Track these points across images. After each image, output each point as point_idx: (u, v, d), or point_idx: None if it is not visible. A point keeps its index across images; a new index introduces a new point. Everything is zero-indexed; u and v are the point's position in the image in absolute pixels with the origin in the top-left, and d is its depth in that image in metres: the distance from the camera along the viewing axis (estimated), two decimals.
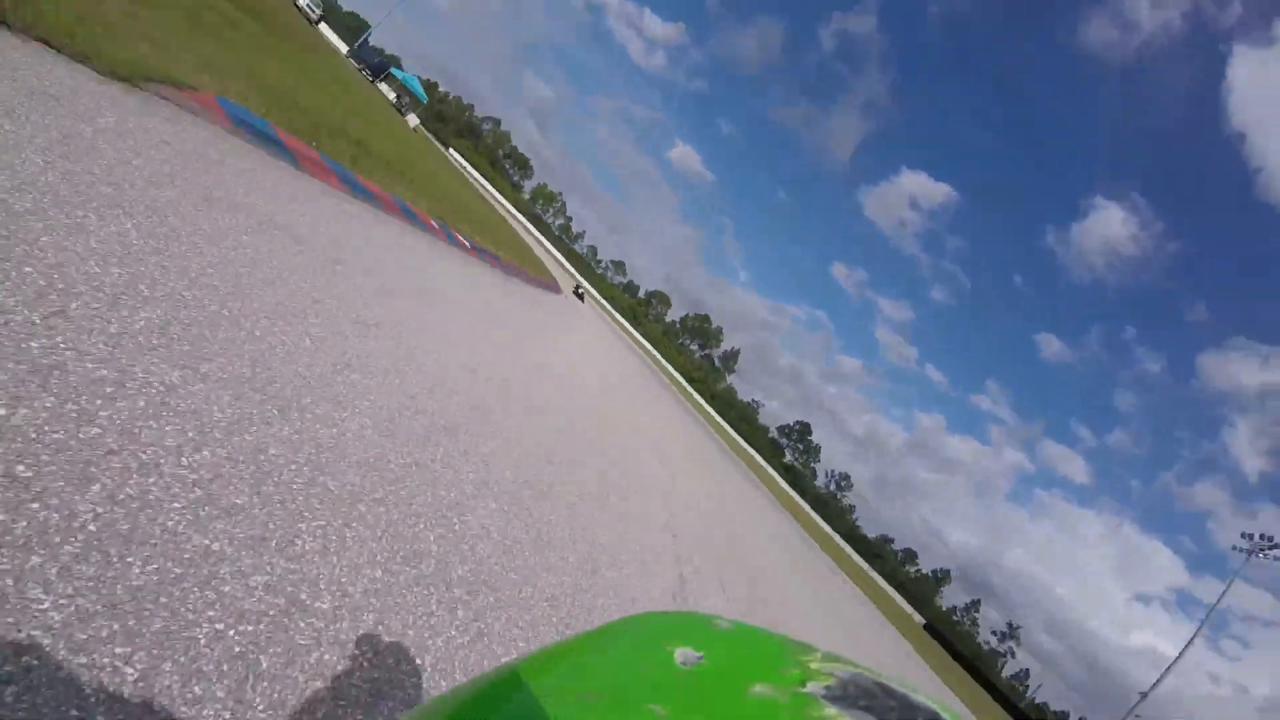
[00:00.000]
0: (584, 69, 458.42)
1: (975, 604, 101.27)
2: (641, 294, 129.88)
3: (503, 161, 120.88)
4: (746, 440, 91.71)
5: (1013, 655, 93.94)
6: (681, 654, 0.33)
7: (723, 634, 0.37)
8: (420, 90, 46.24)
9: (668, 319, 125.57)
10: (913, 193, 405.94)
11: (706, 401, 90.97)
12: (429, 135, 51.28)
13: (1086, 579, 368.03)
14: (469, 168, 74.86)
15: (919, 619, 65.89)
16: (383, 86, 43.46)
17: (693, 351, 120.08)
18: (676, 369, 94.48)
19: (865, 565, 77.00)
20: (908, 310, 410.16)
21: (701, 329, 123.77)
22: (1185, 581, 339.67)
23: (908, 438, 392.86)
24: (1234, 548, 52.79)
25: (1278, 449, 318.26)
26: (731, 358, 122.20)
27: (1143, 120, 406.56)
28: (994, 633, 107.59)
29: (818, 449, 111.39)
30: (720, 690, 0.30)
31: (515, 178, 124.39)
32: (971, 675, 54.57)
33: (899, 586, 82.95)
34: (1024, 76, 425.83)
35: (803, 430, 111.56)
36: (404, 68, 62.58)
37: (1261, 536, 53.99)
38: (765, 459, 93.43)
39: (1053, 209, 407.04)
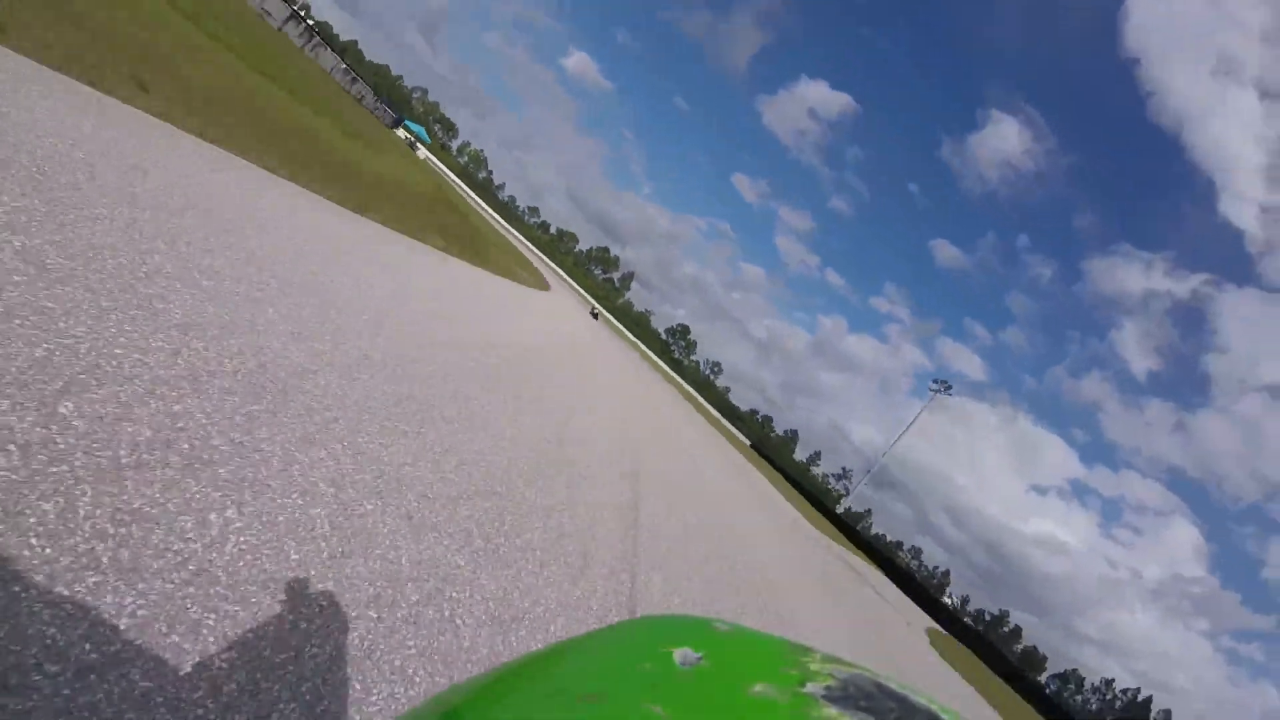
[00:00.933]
0: None
1: (846, 471, 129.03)
2: (554, 230, 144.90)
3: (433, 127, 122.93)
4: (640, 340, 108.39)
5: (846, 493, 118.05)
6: (681, 655, 0.33)
7: (722, 635, 0.36)
8: (425, 135, 60.51)
9: (577, 250, 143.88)
10: (811, 102, 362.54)
11: (608, 312, 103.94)
12: (432, 160, 58.62)
13: (986, 471, 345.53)
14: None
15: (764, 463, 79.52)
16: (400, 132, 53.82)
17: (597, 276, 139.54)
18: (585, 290, 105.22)
19: (730, 426, 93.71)
20: (808, 219, 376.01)
21: (603, 258, 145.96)
22: (1079, 472, 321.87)
23: (810, 339, 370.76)
24: (930, 389, 79.81)
25: (1160, 346, 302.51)
26: (627, 279, 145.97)
27: (1040, 37, 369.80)
28: (833, 475, 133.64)
29: (695, 344, 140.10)
30: (720, 691, 0.30)
31: (444, 139, 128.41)
32: (792, 483, 69.34)
33: (759, 442, 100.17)
34: None
35: (684, 331, 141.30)
36: None
37: (940, 381, 79.49)
38: (656, 354, 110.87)
39: (949, 121, 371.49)
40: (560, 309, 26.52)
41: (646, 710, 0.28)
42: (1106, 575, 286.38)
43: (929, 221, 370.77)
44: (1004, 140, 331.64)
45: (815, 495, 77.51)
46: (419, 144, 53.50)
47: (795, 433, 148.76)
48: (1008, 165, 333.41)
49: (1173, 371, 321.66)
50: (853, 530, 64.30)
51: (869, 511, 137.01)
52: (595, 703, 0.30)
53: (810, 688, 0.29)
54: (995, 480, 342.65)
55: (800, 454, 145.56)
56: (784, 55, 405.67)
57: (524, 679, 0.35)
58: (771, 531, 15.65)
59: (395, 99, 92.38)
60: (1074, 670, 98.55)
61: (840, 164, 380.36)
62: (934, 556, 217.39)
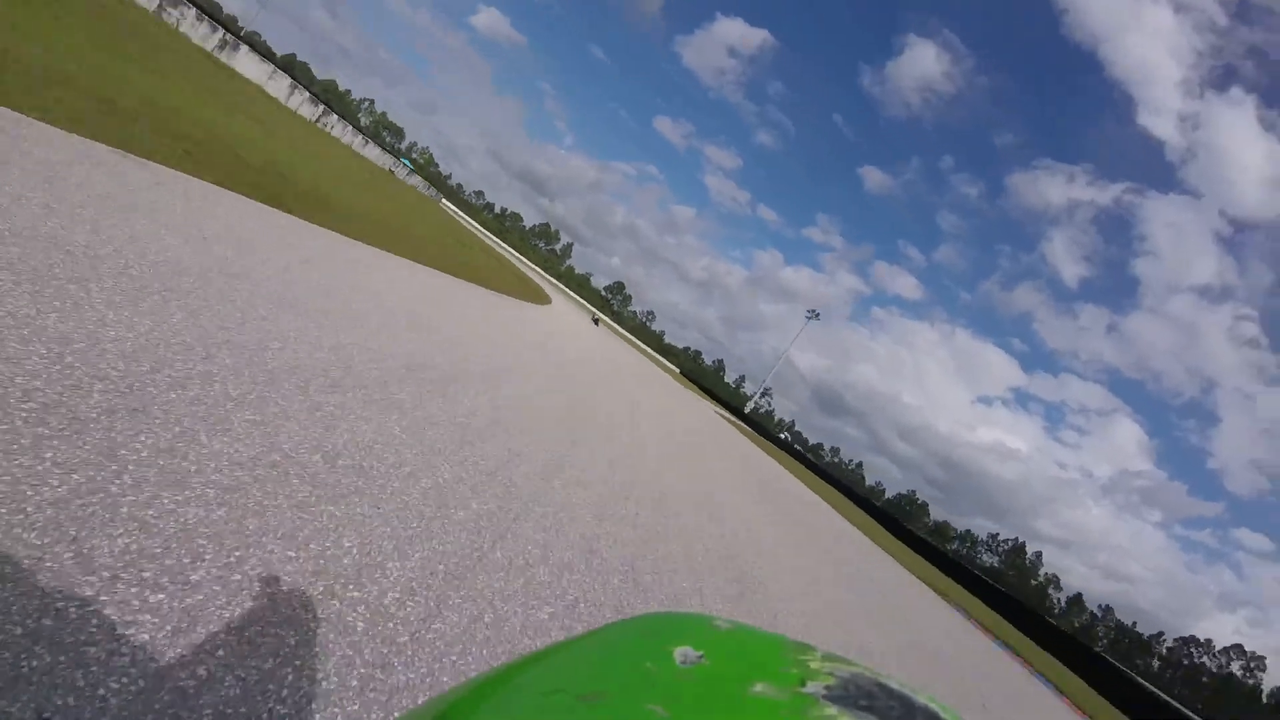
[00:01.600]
0: None
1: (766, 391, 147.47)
2: (499, 209, 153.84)
3: (381, 134, 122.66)
4: (582, 298, 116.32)
5: (769, 407, 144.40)
6: (681, 654, 0.32)
7: (722, 634, 0.35)
8: (409, 165, 60.26)
9: (523, 226, 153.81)
10: (729, 40, 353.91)
11: (555, 279, 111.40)
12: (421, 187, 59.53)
13: (932, 387, 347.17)
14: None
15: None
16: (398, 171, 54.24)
17: (542, 249, 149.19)
18: (533, 262, 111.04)
19: (665, 360, 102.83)
20: (736, 157, 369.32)
21: (545, 233, 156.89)
22: (1020, 380, 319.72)
23: (747, 274, 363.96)
24: (806, 316, 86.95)
25: (1088, 254, 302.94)
26: (567, 249, 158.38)
27: None
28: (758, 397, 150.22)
29: (630, 298, 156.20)
30: (720, 690, 0.29)
31: (392, 139, 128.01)
32: (708, 394, 78.16)
33: (684, 370, 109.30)
34: None
35: (620, 287, 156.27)
36: None
37: (813, 310, 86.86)
38: (599, 308, 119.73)
39: (867, 49, 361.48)
40: (570, 317, 34.51)
41: (647, 709, 0.27)
42: (1058, 477, 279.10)
43: (855, 150, 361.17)
44: (922, 64, 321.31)
45: (724, 399, 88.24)
46: (404, 171, 56.50)
47: (721, 361, 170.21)
48: (928, 89, 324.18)
49: (1103, 277, 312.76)
50: (743, 414, 75.63)
51: (782, 420, 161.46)
52: (595, 702, 0.29)
53: (811, 687, 0.28)
54: (941, 395, 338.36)
55: (730, 378, 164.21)
56: None
57: (524, 678, 0.34)
58: (685, 410, 23.95)
59: (346, 112, 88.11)
60: (967, 531, 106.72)
61: (763, 99, 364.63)
62: (888, 474, 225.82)
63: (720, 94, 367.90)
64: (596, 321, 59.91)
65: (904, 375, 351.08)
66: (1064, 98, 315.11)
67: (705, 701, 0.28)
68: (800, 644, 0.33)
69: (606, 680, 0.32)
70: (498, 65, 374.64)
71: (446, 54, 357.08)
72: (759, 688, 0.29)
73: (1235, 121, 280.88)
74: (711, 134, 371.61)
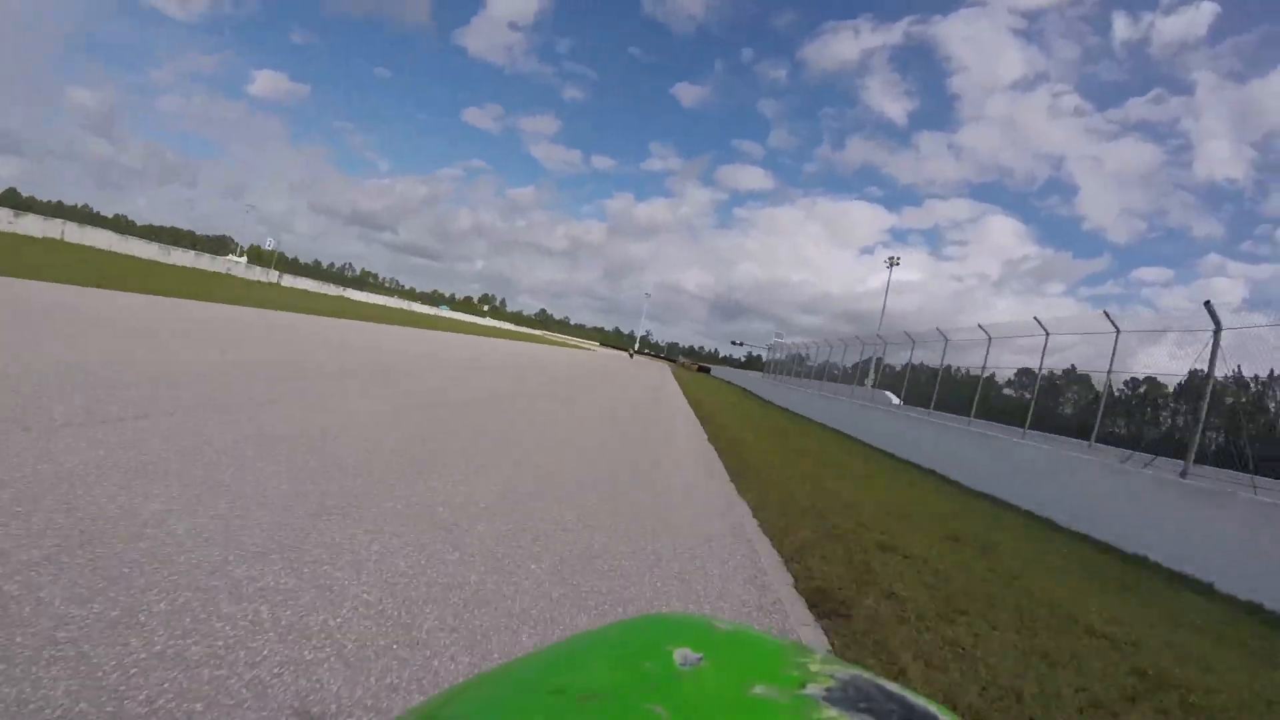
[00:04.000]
0: (121, 54, 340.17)
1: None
2: (360, 271, 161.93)
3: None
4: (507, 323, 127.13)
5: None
6: (681, 655, 0.32)
7: (722, 635, 0.35)
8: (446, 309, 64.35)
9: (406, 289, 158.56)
10: (504, 14, 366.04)
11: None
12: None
13: (814, 260, 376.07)
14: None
15: None
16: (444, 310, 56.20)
17: (484, 309, 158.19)
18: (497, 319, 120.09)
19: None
20: (553, 120, 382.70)
21: (473, 305, 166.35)
22: (891, 220, 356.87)
23: (607, 226, 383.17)
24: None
25: (902, 91, 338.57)
26: (486, 298, 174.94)
27: None
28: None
29: (504, 301, 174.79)
30: (720, 691, 0.29)
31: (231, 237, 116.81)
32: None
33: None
34: None
35: (489, 298, 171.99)
36: None
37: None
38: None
39: None
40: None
41: (647, 710, 0.27)
42: (958, 289, 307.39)
43: (661, 73, 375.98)
44: None
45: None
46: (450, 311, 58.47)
47: (619, 328, 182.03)
48: None
49: (925, 105, 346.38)
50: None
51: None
52: (595, 702, 0.28)
53: (810, 689, 0.28)
54: (826, 262, 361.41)
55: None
56: None
57: (524, 679, 0.33)
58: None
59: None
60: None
61: (557, 58, 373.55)
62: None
63: (515, 68, 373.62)
64: (632, 355, 77.59)
65: (784, 258, 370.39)
66: None
67: (705, 703, 0.28)
68: (801, 646, 0.34)
69: (606, 681, 0.32)
70: (291, 121, 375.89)
71: (235, 130, 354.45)
72: (758, 689, 0.29)
73: None
74: (522, 107, 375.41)
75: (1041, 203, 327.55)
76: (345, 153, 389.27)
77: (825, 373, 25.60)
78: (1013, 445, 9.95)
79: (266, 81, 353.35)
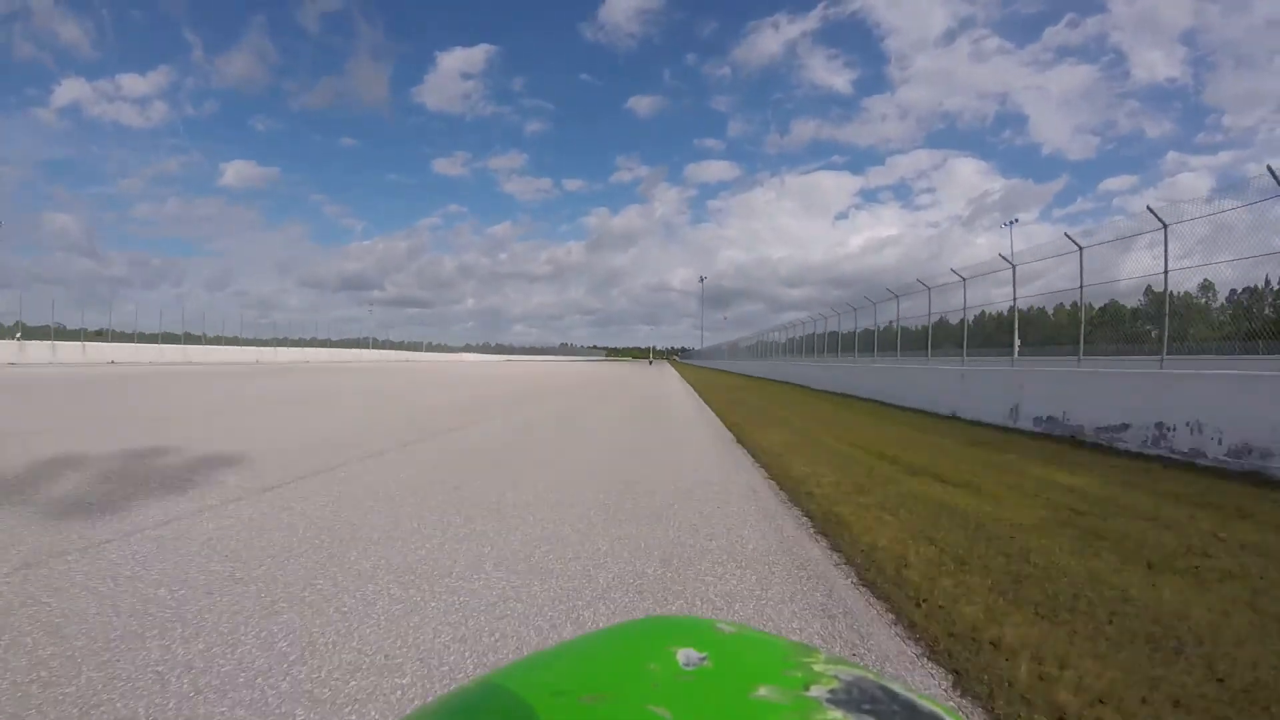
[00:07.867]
0: (74, 167, 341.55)
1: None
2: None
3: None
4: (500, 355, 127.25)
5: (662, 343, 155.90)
6: (684, 656, 0.32)
7: (725, 636, 0.35)
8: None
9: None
10: (457, 68, 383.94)
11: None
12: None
13: (793, 234, 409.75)
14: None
15: None
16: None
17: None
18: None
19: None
20: (519, 155, 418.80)
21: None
22: (858, 183, 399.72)
23: (586, 243, 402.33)
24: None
25: (840, 64, 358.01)
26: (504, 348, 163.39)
27: None
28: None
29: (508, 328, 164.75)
30: (723, 693, 0.29)
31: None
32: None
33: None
34: None
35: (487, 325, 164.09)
36: None
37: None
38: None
39: (573, 7, 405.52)
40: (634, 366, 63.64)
41: (649, 712, 0.27)
42: (934, 235, 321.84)
43: (614, 90, 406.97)
44: None
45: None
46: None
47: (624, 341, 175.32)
48: (638, 11, 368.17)
49: (864, 72, 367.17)
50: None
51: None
52: (597, 704, 0.29)
53: (814, 691, 0.28)
54: (804, 234, 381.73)
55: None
56: (408, 47, 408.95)
57: (526, 679, 0.33)
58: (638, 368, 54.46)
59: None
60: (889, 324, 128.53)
61: (513, 97, 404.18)
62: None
63: (476, 113, 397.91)
64: (650, 361, 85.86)
65: (764, 239, 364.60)
66: None
67: (708, 704, 0.28)
68: (805, 647, 0.34)
69: (609, 682, 0.31)
70: (265, 205, 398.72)
71: (212, 224, 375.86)
72: (762, 691, 0.28)
73: None
74: (488, 149, 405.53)
75: (996, 137, 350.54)
76: (323, 223, 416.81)
77: (816, 346, 26.37)
78: (910, 371, 14.62)
79: (237, 171, 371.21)
